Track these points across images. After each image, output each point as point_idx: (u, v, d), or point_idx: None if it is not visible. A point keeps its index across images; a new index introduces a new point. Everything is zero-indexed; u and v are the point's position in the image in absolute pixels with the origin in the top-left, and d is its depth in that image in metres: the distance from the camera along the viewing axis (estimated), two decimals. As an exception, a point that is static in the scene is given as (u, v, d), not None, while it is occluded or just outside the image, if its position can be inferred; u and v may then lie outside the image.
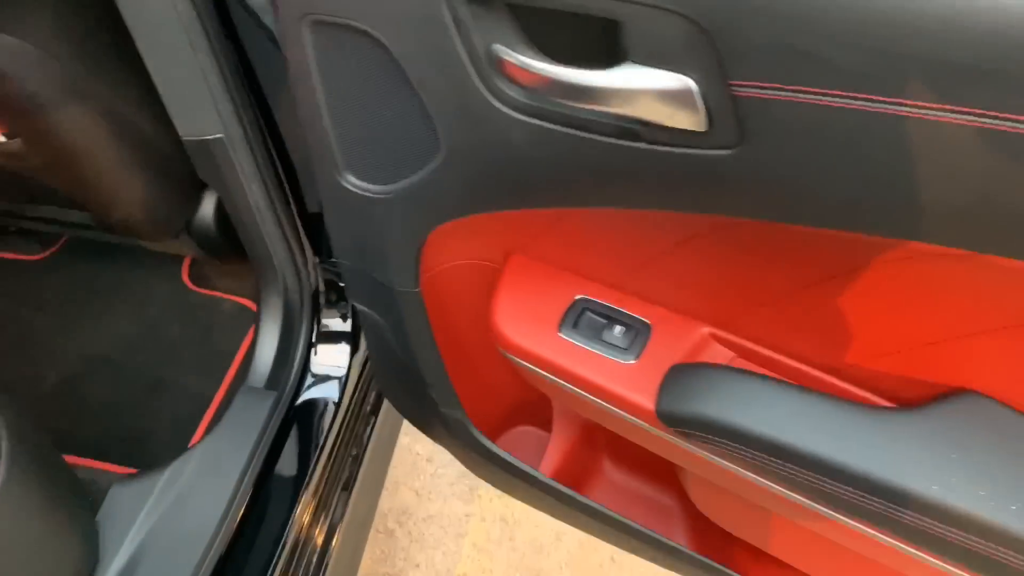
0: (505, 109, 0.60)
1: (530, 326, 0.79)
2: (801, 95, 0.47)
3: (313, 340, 1.23)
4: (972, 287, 0.55)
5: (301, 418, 1.19)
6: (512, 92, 0.59)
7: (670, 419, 0.71)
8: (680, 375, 0.72)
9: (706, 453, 0.72)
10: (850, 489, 0.62)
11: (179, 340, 1.47)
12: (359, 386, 1.24)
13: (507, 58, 0.57)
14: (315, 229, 1.13)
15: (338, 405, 1.19)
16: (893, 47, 0.43)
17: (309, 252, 1.17)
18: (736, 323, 0.73)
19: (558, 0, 0.52)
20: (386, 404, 1.31)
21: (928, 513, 0.59)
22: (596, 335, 0.77)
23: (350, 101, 0.68)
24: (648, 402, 0.73)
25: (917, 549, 0.64)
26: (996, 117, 0.43)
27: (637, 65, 0.52)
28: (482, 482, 1.26)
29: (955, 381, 0.62)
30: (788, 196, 0.53)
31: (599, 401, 0.77)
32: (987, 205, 0.47)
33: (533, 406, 1.05)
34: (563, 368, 0.77)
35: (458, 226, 0.75)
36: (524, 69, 0.57)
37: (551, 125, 0.59)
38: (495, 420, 1.09)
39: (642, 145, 0.56)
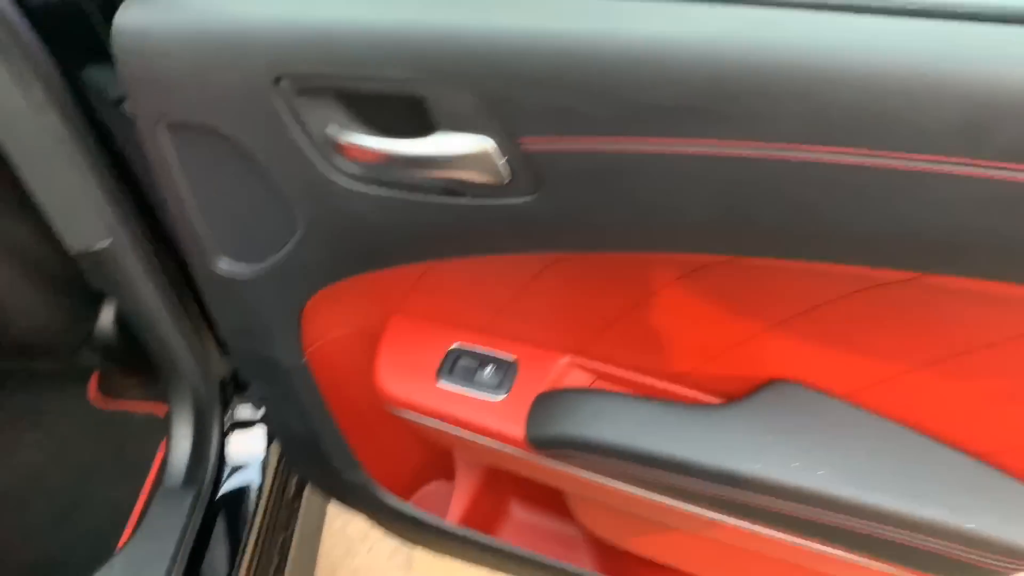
0: (346, 183, 0.68)
1: (411, 380, 0.86)
2: (573, 144, 0.57)
3: (226, 431, 1.25)
4: (752, 288, 0.65)
5: (223, 511, 1.20)
6: (350, 167, 0.67)
7: (539, 442, 0.78)
8: (544, 402, 0.80)
9: (576, 470, 0.78)
10: (691, 479, 0.70)
11: (92, 457, 1.46)
12: (279, 470, 1.26)
13: (340, 138, 0.65)
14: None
15: (260, 491, 1.21)
16: (627, 97, 0.53)
17: (213, 345, 1.20)
18: (590, 349, 0.82)
19: (370, 85, 0.61)
20: (310, 486, 1.33)
21: (757, 489, 0.67)
22: (470, 378, 0.84)
23: (212, 192, 0.75)
24: (519, 431, 0.80)
25: (763, 527, 0.72)
26: (712, 144, 0.53)
27: (446, 132, 0.62)
28: (419, 548, 1.30)
29: (767, 373, 0.72)
30: (582, 229, 0.62)
31: (479, 438, 0.83)
32: (728, 217, 0.57)
33: (442, 461, 1.11)
34: (443, 413, 0.84)
35: (333, 295, 0.82)
36: (357, 146, 0.65)
37: (387, 191, 0.67)
38: (406, 479, 1.14)
39: (465, 200, 0.65)
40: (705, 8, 0.52)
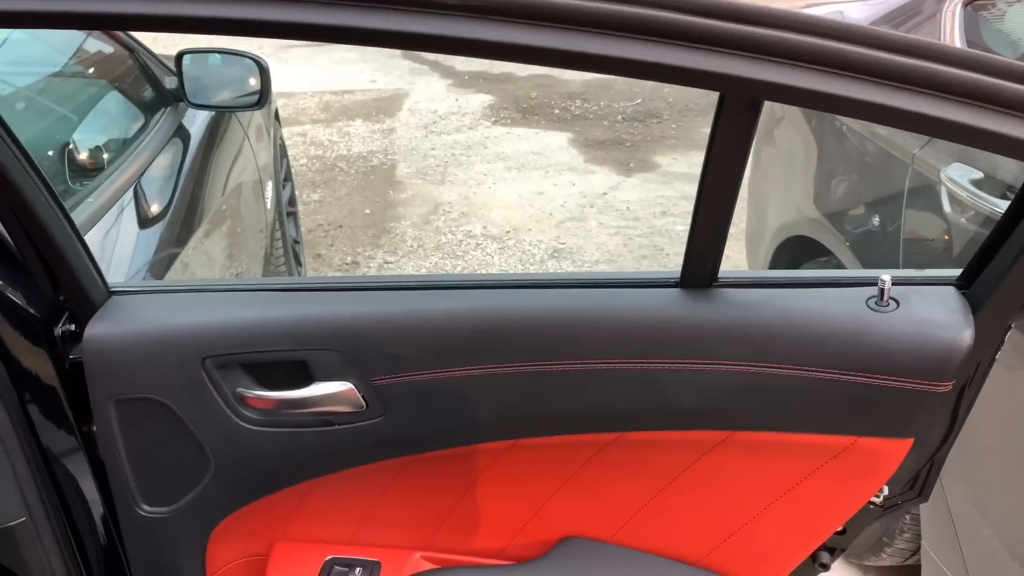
0: (250, 426, 0.98)
1: None
2: (404, 378, 0.92)
3: None
4: (533, 466, 0.98)
5: None
6: (254, 414, 0.98)
7: None
8: None
9: None
10: None
11: None
12: None
13: (247, 394, 0.97)
14: None
15: None
16: (431, 345, 0.90)
17: None
18: (434, 543, 1.09)
19: (262, 357, 0.95)
20: None
21: None
22: None
23: (146, 448, 1.02)
24: None
25: None
26: (483, 368, 0.90)
27: (320, 382, 0.95)
28: None
29: (559, 533, 1.03)
30: (417, 434, 0.95)
31: (356, 627, 1.05)
32: (505, 413, 0.92)
33: None
34: None
35: (232, 528, 1.06)
36: (258, 398, 0.97)
37: (280, 429, 0.98)
38: None
39: (335, 427, 0.97)
40: (467, 292, 0.92)
